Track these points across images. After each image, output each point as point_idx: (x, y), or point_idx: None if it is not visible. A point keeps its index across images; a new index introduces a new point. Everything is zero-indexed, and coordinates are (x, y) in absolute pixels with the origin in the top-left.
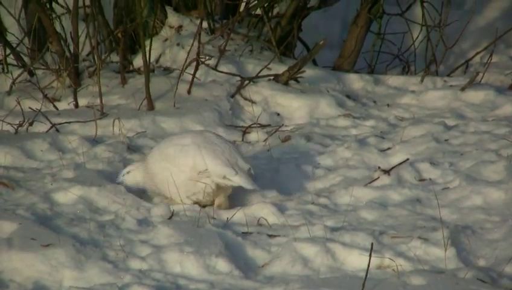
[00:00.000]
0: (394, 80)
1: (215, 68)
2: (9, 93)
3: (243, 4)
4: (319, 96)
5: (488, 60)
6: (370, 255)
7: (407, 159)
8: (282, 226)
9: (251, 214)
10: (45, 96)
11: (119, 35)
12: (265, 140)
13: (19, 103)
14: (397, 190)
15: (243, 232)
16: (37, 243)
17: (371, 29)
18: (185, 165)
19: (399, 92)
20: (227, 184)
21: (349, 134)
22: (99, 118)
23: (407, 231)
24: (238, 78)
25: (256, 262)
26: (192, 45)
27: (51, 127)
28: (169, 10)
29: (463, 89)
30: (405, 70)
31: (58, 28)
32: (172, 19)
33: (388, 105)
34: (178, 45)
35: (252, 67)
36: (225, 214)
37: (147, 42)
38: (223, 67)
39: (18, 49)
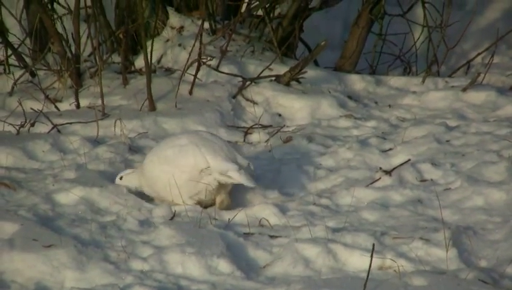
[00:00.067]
0: (395, 80)
1: (216, 69)
2: (10, 94)
3: (245, 5)
4: (320, 97)
5: (489, 60)
6: (371, 256)
7: (409, 160)
8: (284, 227)
9: (253, 215)
10: (47, 97)
11: (121, 36)
12: (266, 141)
13: (20, 103)
14: (399, 190)
15: (244, 233)
16: (38, 244)
17: (372, 30)
18: (186, 166)
19: (400, 93)
20: (228, 182)
21: (351, 135)
22: (101, 118)
23: (408, 231)
24: (240, 79)
25: (257, 263)
26: (194, 45)
27: (53, 128)
28: (170, 11)
29: (464, 89)
30: (406, 71)
31: (59, 29)
32: (174, 19)
33: (389, 106)
34: (179, 45)
35: (253, 68)
36: (227, 215)
37: (149, 43)
38: (224, 68)
39: (20, 50)
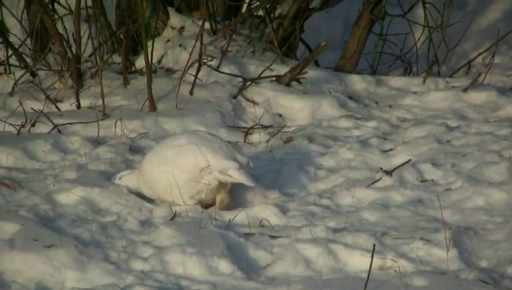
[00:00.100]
0: (396, 81)
1: (217, 69)
2: (11, 94)
3: (245, 5)
4: (321, 97)
5: (490, 61)
6: (372, 256)
7: (409, 160)
8: (284, 227)
9: (253, 215)
10: (47, 97)
11: (121, 36)
12: (267, 141)
13: (21, 103)
14: (399, 191)
15: (245, 233)
16: (39, 244)
17: (373, 30)
18: (186, 165)
19: (401, 93)
20: (228, 181)
21: (351, 135)
22: (102, 118)
23: (409, 232)
24: (240, 79)
25: (258, 263)
26: (195, 45)
27: (53, 128)
28: (171, 11)
29: (465, 90)
30: (407, 72)
31: (60, 29)
32: (175, 20)
33: (390, 106)
34: (180, 45)
35: (254, 68)
36: (227, 215)
37: (149, 43)
38: (225, 68)
39: (20, 50)
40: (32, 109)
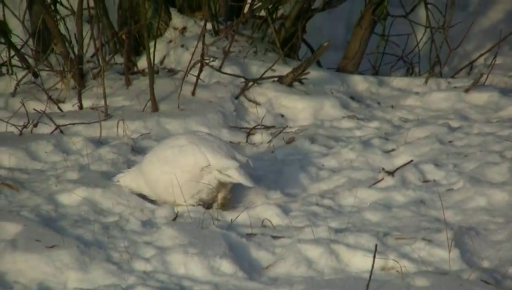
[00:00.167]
0: (398, 81)
1: (219, 70)
2: (13, 94)
3: (247, 6)
4: (323, 97)
5: (492, 61)
6: (374, 257)
7: (411, 161)
8: (287, 228)
9: (255, 216)
10: (49, 97)
11: (124, 36)
12: (269, 141)
13: (23, 104)
14: (401, 191)
15: (247, 234)
16: (41, 245)
17: (375, 30)
18: (186, 165)
19: (403, 94)
20: (228, 181)
21: (354, 135)
22: (104, 119)
23: (411, 232)
24: (242, 80)
25: (260, 263)
26: (197, 46)
27: (55, 129)
28: (173, 12)
29: (467, 90)
30: (409, 72)
31: (62, 30)
32: (177, 20)
33: (392, 106)
34: (182, 46)
35: (256, 68)
36: (229, 216)
37: (151, 44)
38: (227, 69)
39: (22, 50)
40: (34, 109)
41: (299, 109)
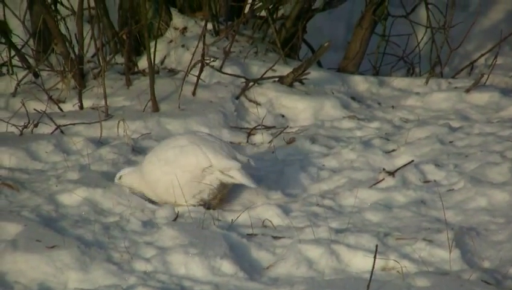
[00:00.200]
0: (399, 81)
1: (220, 70)
2: (14, 94)
3: (248, 6)
4: (323, 98)
5: (492, 61)
6: (375, 257)
7: (412, 161)
8: (287, 228)
9: (256, 216)
10: (50, 97)
11: (124, 36)
12: (270, 142)
13: (23, 104)
14: (402, 191)
15: (247, 234)
16: (41, 245)
17: (376, 31)
18: (188, 165)
19: (404, 94)
20: (229, 181)
21: (354, 136)
22: (104, 119)
23: (411, 232)
24: (243, 80)
25: (261, 264)
26: (197, 46)
27: (56, 129)
28: (174, 12)
29: (468, 90)
30: (410, 72)
31: (63, 30)
32: (177, 20)
33: (393, 107)
34: (183, 46)
35: (256, 69)
36: (230, 216)
37: (152, 44)
38: (227, 69)
39: (23, 50)
40: (34, 109)
41: (299, 109)
